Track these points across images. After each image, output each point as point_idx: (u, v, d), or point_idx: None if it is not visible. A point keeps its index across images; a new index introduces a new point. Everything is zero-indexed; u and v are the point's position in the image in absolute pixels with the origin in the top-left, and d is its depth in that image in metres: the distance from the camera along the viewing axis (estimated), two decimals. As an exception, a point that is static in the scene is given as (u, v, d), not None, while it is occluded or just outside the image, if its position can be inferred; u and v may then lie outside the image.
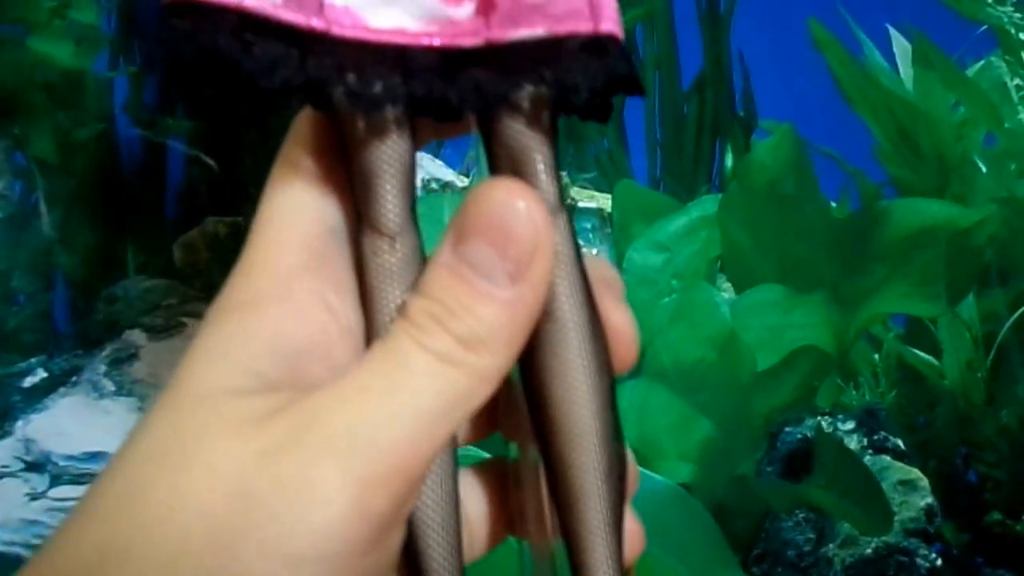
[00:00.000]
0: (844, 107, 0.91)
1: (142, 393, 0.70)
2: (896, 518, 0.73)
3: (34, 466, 0.68)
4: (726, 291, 0.80)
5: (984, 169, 0.87)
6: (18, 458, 0.69)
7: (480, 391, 0.23)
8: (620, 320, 0.27)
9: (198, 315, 0.74)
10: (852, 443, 0.80)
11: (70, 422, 0.70)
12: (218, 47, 0.23)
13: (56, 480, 0.68)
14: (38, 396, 0.72)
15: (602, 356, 0.26)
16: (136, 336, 0.73)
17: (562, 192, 0.26)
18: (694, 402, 0.69)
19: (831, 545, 0.75)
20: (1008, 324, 0.84)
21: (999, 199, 0.83)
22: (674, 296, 0.74)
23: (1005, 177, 0.87)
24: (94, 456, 0.68)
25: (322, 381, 0.23)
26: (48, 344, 0.84)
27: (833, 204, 0.91)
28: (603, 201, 0.94)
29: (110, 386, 0.71)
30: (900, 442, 0.81)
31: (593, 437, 0.26)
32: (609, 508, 0.26)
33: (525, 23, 0.24)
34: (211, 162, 0.82)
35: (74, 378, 0.72)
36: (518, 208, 0.24)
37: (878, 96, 0.89)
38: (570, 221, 0.26)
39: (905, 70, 0.91)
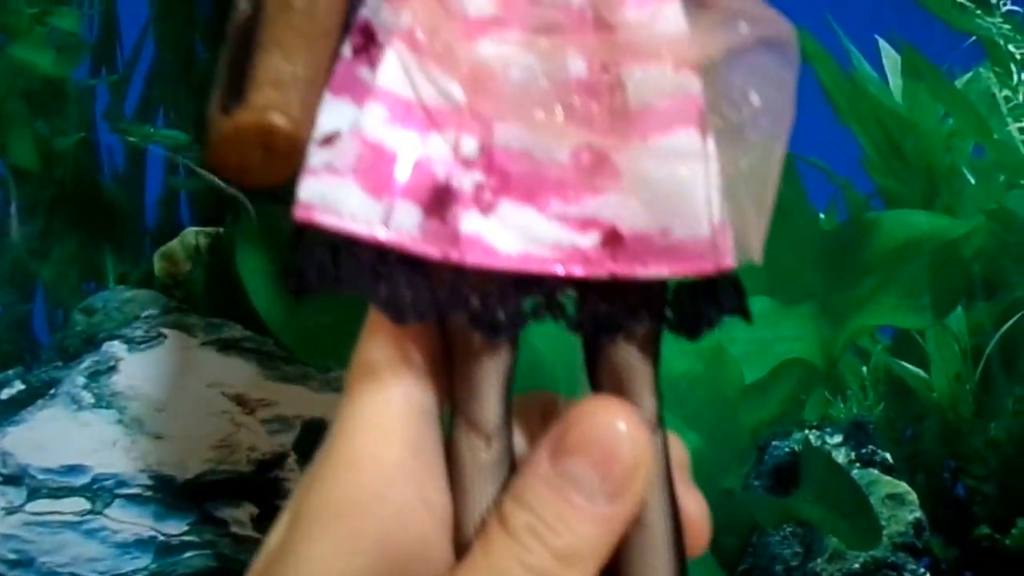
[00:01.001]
0: (832, 118, 0.90)
1: (121, 405, 0.70)
2: (884, 532, 0.73)
3: (11, 479, 0.67)
4: (713, 303, 0.79)
5: (972, 181, 0.87)
6: (-6, 471, 0.68)
7: None
8: (694, 508, 0.28)
9: (178, 326, 0.73)
10: (840, 457, 0.79)
11: (48, 435, 0.69)
12: (357, 285, 0.24)
13: (33, 494, 0.67)
14: (15, 408, 0.71)
15: (683, 556, 0.27)
16: (116, 348, 0.72)
17: (661, 410, 0.27)
18: (680, 415, 0.69)
19: (819, 560, 0.74)
20: (997, 336, 0.83)
21: (987, 211, 0.83)
22: (661, 308, 0.73)
23: (994, 189, 0.86)
24: (72, 469, 0.67)
25: None
26: (26, 355, 0.83)
27: (821, 215, 0.91)
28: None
29: (89, 398, 0.70)
30: (888, 455, 0.80)
31: None
32: None
33: (653, 263, 0.25)
34: (205, 173, 0.81)
35: (52, 390, 0.71)
36: (621, 431, 0.24)
37: (866, 107, 0.88)
38: (664, 437, 0.27)
39: (894, 81, 0.91)
